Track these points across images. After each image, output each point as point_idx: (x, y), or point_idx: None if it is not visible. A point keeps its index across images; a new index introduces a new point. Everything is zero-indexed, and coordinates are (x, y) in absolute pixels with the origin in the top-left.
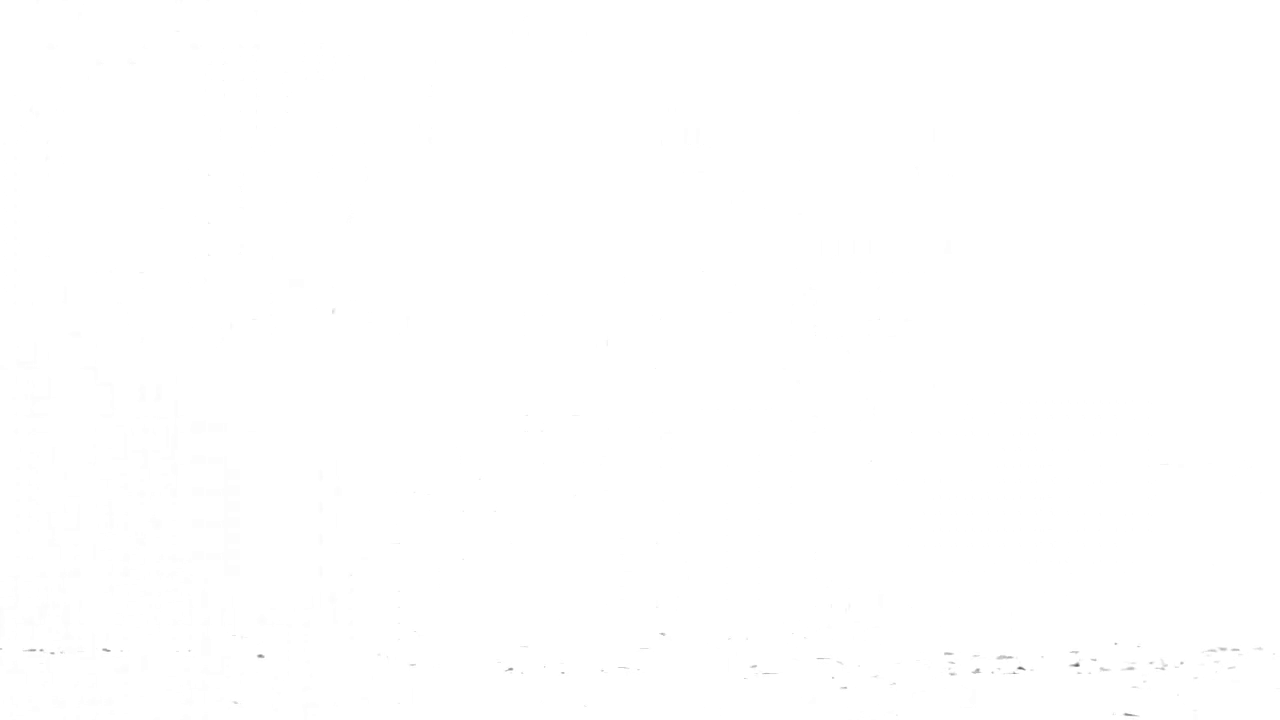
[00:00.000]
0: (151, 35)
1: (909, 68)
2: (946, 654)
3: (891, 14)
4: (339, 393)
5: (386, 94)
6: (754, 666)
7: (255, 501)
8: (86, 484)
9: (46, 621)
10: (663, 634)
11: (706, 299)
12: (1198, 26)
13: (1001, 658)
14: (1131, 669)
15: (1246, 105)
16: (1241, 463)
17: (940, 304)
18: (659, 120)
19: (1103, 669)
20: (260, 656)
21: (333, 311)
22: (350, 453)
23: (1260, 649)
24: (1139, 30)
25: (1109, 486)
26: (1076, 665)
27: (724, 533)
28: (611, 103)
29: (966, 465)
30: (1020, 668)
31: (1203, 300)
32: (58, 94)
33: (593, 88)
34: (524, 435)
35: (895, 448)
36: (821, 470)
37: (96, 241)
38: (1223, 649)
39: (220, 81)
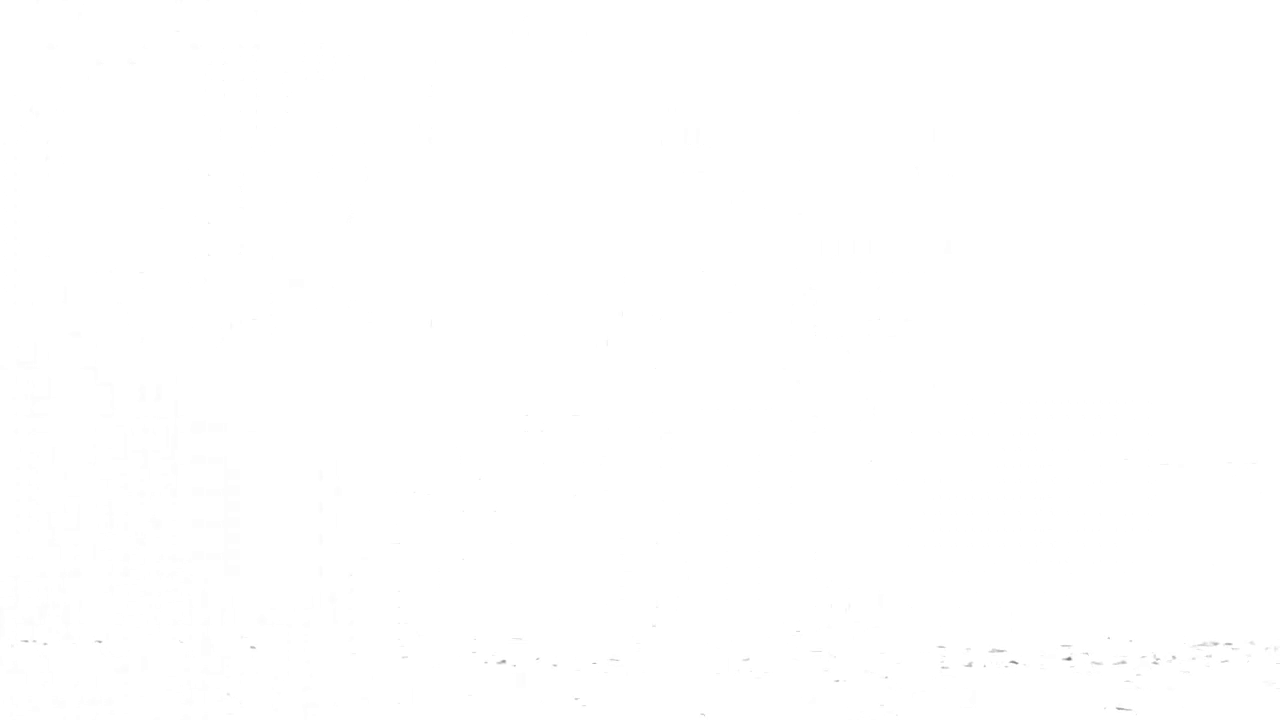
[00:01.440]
0: (151, 35)
1: (909, 68)
2: (940, 648)
3: (892, 14)
4: (339, 393)
5: (386, 94)
6: (747, 660)
7: (255, 501)
8: (86, 484)
9: (47, 620)
10: (654, 626)
11: (706, 299)
12: (1198, 27)
13: (994, 652)
14: (1124, 663)
15: (1246, 105)
16: (1235, 462)
17: (940, 304)
18: (659, 120)
19: (1095, 663)
20: (252, 648)
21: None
22: (350, 453)
23: (1253, 643)
24: (1139, 31)
25: (1104, 485)
26: (1069, 659)
27: (723, 531)
28: (611, 103)
29: (965, 465)
30: (1013, 661)
31: (1202, 302)
32: (58, 94)
33: (593, 88)
34: (524, 435)
35: (895, 448)
36: (821, 470)
37: (96, 241)
38: (1215, 643)
39: (220, 81)
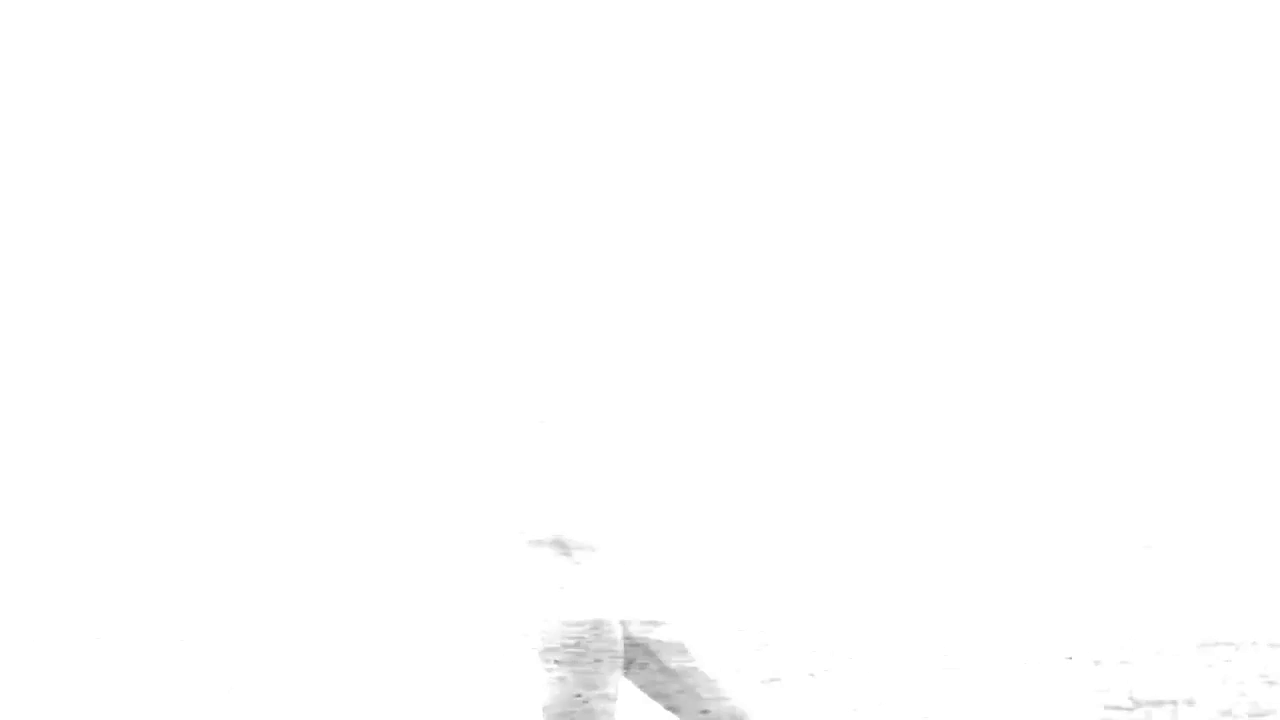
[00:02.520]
0: (152, 35)
1: (909, 67)
2: (940, 646)
3: (891, 14)
4: (340, 392)
5: (386, 94)
6: (747, 661)
7: (255, 500)
8: (86, 484)
9: (45, 618)
10: (656, 625)
11: (705, 298)
12: (1198, 26)
13: (996, 650)
14: (1127, 663)
15: (1247, 105)
16: (1238, 461)
17: (940, 304)
18: (658, 120)
19: (1097, 662)
20: (254, 646)
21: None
22: (351, 452)
23: (1255, 644)
24: (1139, 30)
25: (1104, 483)
26: (1070, 658)
27: (723, 532)
28: (612, 102)
29: (966, 464)
30: (1015, 660)
31: (1204, 297)
32: (58, 94)
33: (592, 88)
34: (523, 434)
35: (894, 447)
36: (821, 470)
37: (96, 241)
38: (1217, 644)
39: (220, 81)
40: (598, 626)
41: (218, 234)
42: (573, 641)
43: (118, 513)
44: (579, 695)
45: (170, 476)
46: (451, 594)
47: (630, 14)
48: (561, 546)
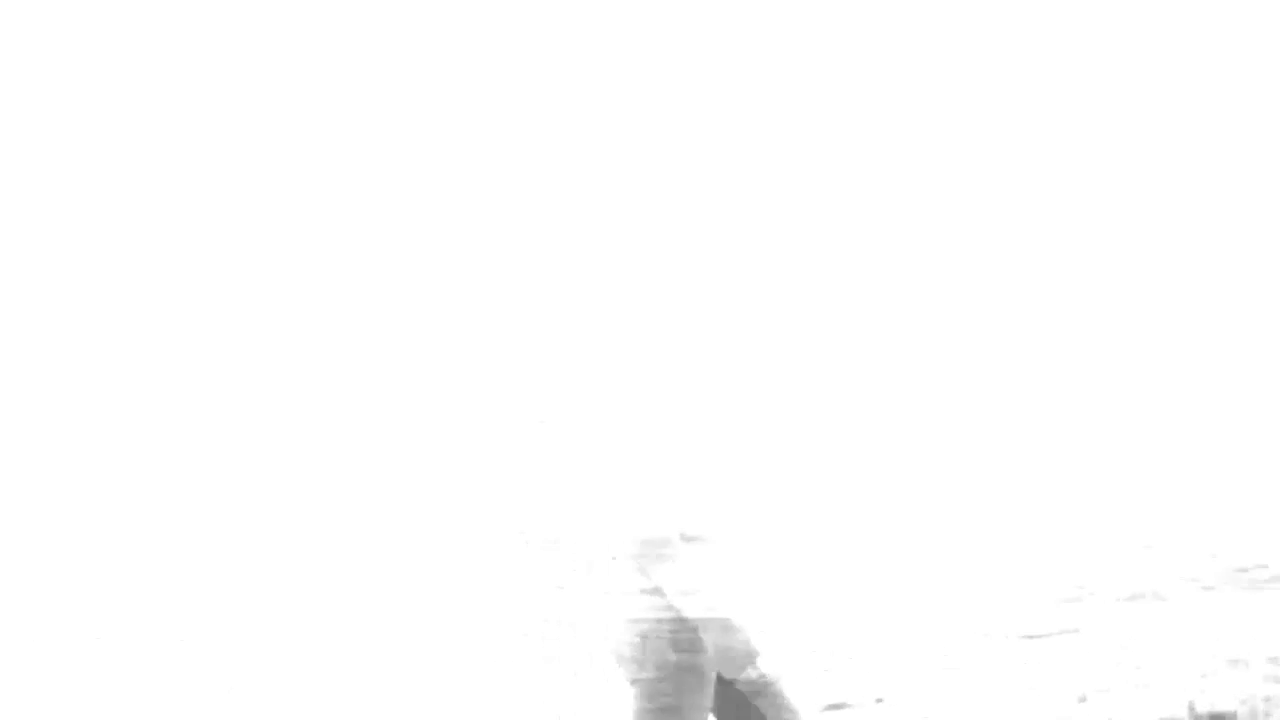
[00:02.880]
0: (152, 35)
1: (909, 67)
2: (940, 646)
3: (891, 14)
4: (340, 393)
5: (385, 93)
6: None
7: (255, 501)
8: (86, 484)
9: (45, 618)
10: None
11: (705, 298)
12: (1198, 26)
13: (997, 649)
14: (1172, 669)
15: (1247, 105)
16: (1242, 464)
17: (941, 304)
18: (658, 119)
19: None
20: (254, 645)
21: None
22: (353, 451)
23: (1274, 660)
24: (1139, 30)
25: (1104, 481)
26: (1077, 631)
27: (720, 531)
28: (611, 102)
29: (967, 463)
30: (1015, 660)
31: (1203, 294)
32: (58, 94)
33: (592, 87)
34: (523, 434)
35: (894, 447)
36: (822, 469)
37: (96, 241)
38: (1218, 643)
39: (220, 81)
40: (681, 631)
41: (218, 234)
42: (658, 651)
43: (118, 513)
44: (669, 702)
45: (170, 476)
46: (452, 594)
47: (630, 14)
48: (643, 548)
